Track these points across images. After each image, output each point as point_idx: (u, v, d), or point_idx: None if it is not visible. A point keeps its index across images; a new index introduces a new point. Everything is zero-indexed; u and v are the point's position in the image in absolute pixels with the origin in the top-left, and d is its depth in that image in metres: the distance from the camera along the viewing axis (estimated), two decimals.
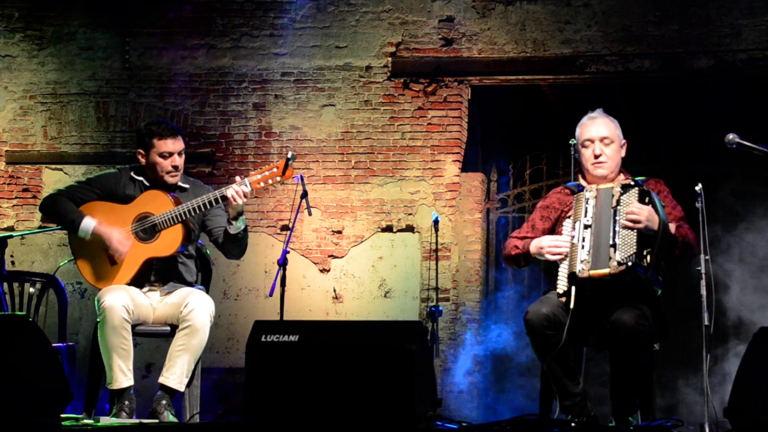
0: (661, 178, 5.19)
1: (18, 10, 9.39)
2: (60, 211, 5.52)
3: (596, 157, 5.06)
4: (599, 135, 5.08)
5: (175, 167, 5.54)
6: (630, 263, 4.76)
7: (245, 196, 5.35)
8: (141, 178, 5.61)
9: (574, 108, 8.76)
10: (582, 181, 5.17)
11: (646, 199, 4.84)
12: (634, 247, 4.77)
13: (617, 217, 4.84)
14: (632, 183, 4.91)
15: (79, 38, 9.32)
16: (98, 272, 5.49)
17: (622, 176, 5.13)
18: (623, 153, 5.14)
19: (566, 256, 4.92)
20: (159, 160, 5.53)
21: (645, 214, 4.79)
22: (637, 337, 4.72)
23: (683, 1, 8.55)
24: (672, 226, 4.93)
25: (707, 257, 5.03)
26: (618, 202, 4.86)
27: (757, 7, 8.47)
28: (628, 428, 4.68)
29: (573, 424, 4.61)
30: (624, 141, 5.15)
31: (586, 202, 4.94)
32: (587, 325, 4.91)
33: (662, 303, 5.04)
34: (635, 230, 4.79)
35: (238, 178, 5.41)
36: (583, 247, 4.86)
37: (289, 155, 5.41)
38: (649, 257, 4.79)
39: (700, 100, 9.39)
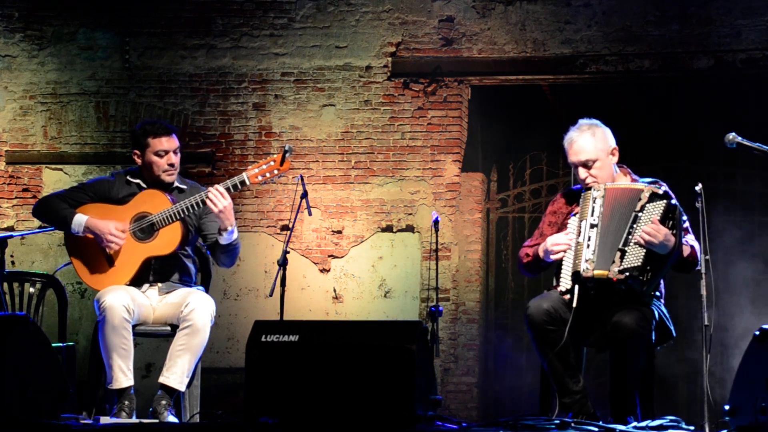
0: (660, 178, 5.16)
1: (18, 10, 9.39)
2: (52, 210, 5.49)
3: (584, 180, 5.03)
4: (580, 160, 5.03)
5: (172, 165, 5.51)
6: (629, 274, 4.76)
7: (224, 199, 5.31)
8: (137, 181, 5.56)
9: (574, 108, 8.77)
10: None
11: (669, 215, 4.80)
12: (640, 262, 4.76)
13: (635, 224, 4.80)
14: (661, 194, 4.86)
15: (79, 38, 9.32)
16: (96, 273, 5.46)
17: (629, 178, 5.10)
18: (615, 158, 5.08)
19: (567, 250, 4.91)
20: (155, 159, 5.49)
21: (660, 237, 4.76)
22: (637, 339, 4.72)
23: (683, 1, 8.55)
24: (686, 249, 4.91)
25: (707, 257, 5.02)
26: (642, 209, 4.83)
27: (757, 7, 8.46)
28: (627, 428, 4.68)
29: (573, 423, 4.61)
30: (614, 147, 5.07)
31: (593, 201, 4.91)
32: (589, 324, 4.91)
33: (665, 304, 5.04)
34: (646, 247, 4.78)
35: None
36: (588, 246, 4.85)
37: (286, 147, 5.42)
38: (650, 274, 4.79)
39: (700, 100, 9.38)
